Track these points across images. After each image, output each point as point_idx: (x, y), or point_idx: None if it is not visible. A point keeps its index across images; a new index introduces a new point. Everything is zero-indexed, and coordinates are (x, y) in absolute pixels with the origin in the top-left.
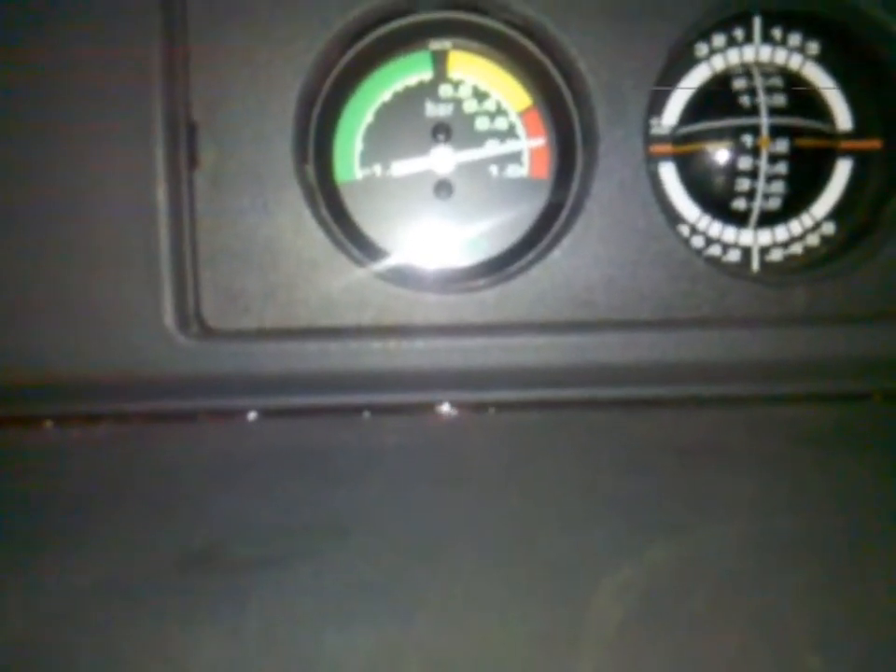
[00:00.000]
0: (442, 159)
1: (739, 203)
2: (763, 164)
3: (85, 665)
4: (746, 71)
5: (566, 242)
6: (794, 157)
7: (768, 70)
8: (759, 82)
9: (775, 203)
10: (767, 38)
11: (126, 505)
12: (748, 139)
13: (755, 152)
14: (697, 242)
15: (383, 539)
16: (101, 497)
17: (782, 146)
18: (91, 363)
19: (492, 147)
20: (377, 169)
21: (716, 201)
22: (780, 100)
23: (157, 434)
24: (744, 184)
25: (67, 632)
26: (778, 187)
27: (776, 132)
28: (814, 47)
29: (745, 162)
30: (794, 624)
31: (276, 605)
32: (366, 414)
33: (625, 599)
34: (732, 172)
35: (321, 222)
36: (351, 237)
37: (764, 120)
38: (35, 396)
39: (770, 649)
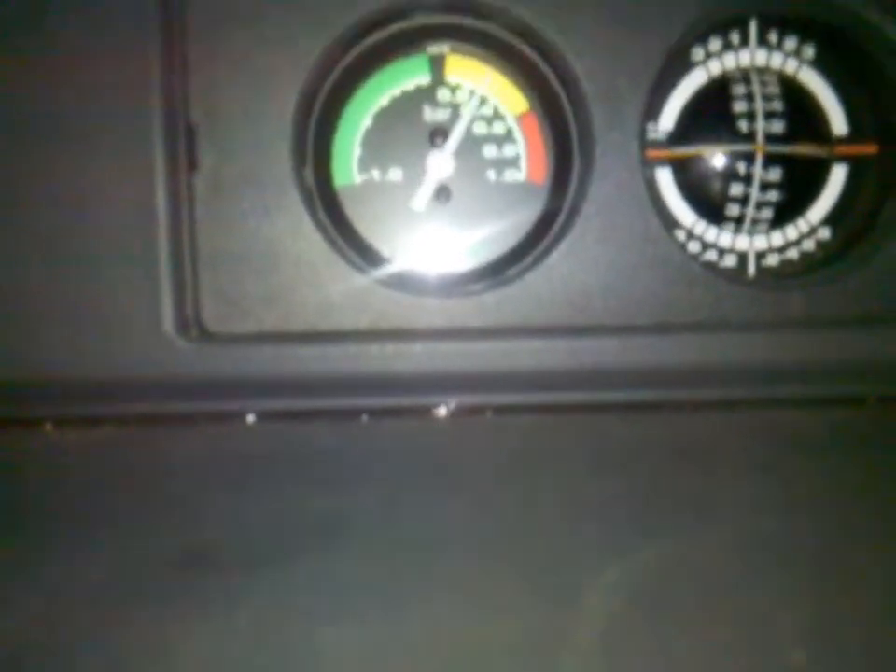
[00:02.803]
0: (440, 163)
1: (734, 209)
2: (758, 170)
3: (82, 664)
4: (742, 78)
5: (563, 246)
6: (790, 162)
7: (766, 81)
8: (756, 97)
9: (769, 207)
10: (763, 42)
11: (124, 506)
12: (742, 159)
13: (750, 158)
14: (693, 247)
15: (378, 541)
16: (99, 499)
17: (776, 165)
18: (91, 366)
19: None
20: (375, 173)
21: (712, 206)
22: (776, 110)
23: (156, 437)
24: (738, 189)
25: (65, 630)
26: (774, 191)
27: (771, 137)
28: (810, 51)
29: (740, 168)
30: (786, 626)
31: (271, 605)
32: (364, 418)
33: (619, 601)
34: (727, 177)
35: (319, 226)
36: (349, 242)
37: (761, 147)
38: (35, 398)
39: (760, 649)
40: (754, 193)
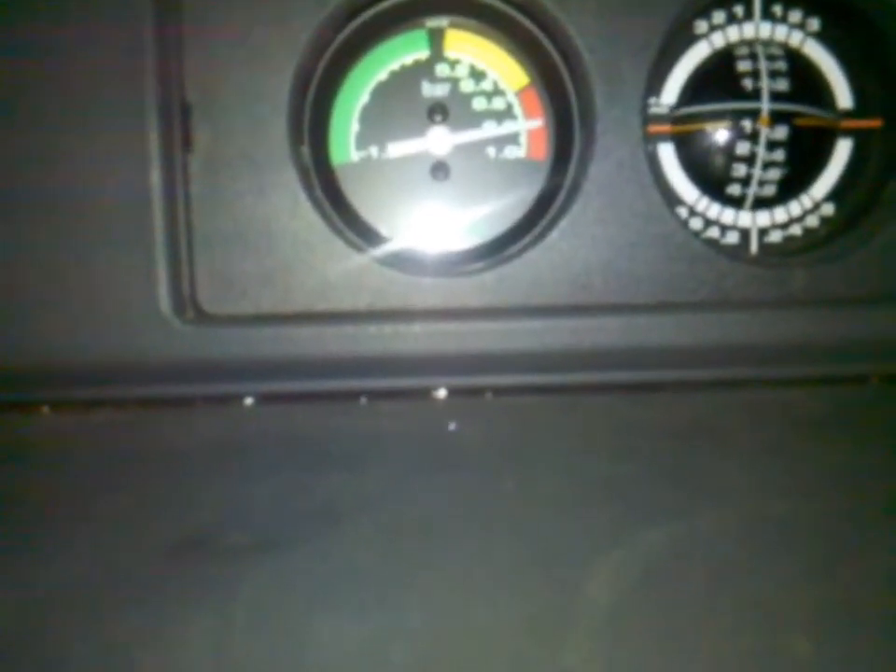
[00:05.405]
0: (439, 140)
1: (739, 173)
2: (763, 143)
3: (78, 651)
4: (747, 47)
5: (563, 224)
6: (794, 136)
7: (770, 50)
8: (761, 61)
9: (772, 185)
10: (767, 15)
11: (122, 490)
12: (747, 119)
13: (754, 132)
14: (696, 223)
15: (377, 525)
16: (97, 483)
17: (782, 126)
18: (88, 349)
19: (489, 128)
20: (373, 150)
21: (715, 182)
22: (781, 78)
23: (153, 419)
24: (743, 159)
25: (61, 617)
26: (777, 166)
27: (776, 111)
28: (814, 23)
29: (744, 142)
30: (789, 609)
31: (270, 590)
32: (363, 399)
33: (621, 584)
34: (731, 152)
35: (317, 205)
36: (347, 220)
37: (765, 105)
38: (31, 381)
39: (763, 633)
40: (758, 162)
